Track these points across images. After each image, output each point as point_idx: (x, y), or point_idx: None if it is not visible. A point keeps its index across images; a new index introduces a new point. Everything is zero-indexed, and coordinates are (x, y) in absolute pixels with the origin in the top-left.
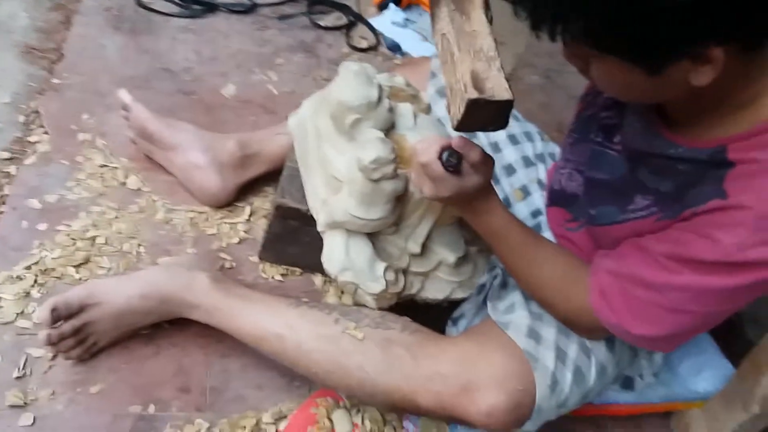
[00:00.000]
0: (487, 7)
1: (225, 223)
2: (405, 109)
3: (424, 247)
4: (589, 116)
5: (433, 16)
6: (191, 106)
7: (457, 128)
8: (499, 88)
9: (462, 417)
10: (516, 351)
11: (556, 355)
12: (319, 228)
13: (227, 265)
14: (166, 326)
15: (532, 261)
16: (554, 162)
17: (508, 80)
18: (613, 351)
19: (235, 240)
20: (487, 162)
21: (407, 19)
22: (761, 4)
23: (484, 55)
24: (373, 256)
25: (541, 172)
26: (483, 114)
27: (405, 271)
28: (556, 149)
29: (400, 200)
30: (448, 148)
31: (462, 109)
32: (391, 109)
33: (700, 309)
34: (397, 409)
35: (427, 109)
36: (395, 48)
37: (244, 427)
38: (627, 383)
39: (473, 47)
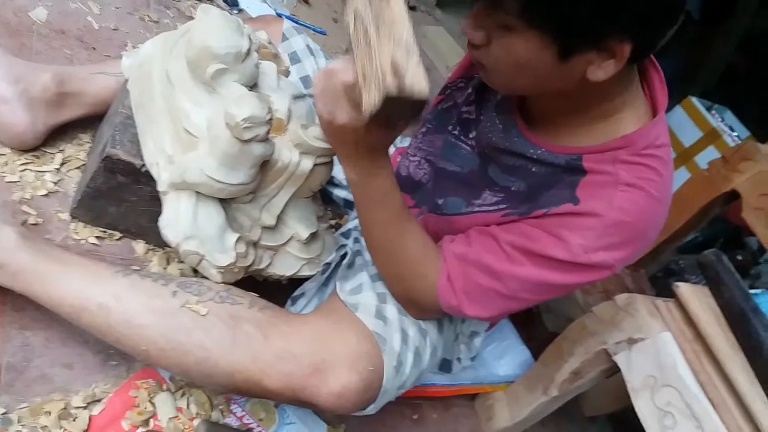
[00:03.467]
0: None
1: (30, 170)
2: (269, 67)
3: (278, 220)
4: (447, 108)
5: None
6: None
7: (370, 119)
8: (418, 82)
9: (310, 399)
10: (366, 332)
11: (401, 337)
12: (161, 188)
13: (31, 220)
14: None
15: (402, 232)
16: (397, 147)
17: (427, 71)
18: (442, 333)
19: (42, 192)
20: None
21: None
22: (663, 13)
23: (404, 45)
24: (224, 225)
25: None
26: (399, 107)
27: (255, 244)
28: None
29: (262, 167)
30: None
31: (378, 101)
32: (256, 66)
33: (533, 298)
34: (237, 391)
35: (287, 72)
36: (232, 2)
37: (49, 413)
38: (444, 366)
39: (393, 35)
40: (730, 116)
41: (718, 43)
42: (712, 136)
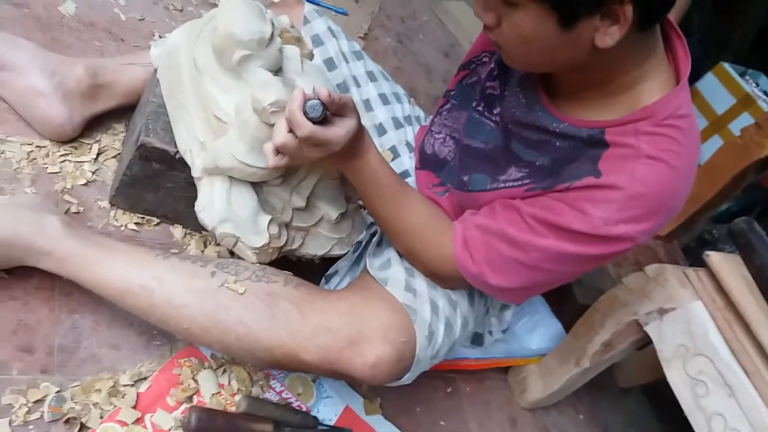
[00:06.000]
0: None
1: (69, 161)
2: (292, 51)
3: (308, 201)
4: (470, 84)
5: None
6: (22, 21)
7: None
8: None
9: (346, 371)
10: (397, 304)
11: (431, 308)
12: (195, 174)
13: (73, 209)
14: (4, 276)
15: (401, 206)
16: (421, 125)
17: None
18: (473, 306)
19: (82, 181)
20: (348, 103)
21: None
22: None
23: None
24: (257, 208)
25: (409, 134)
26: None
27: (287, 226)
28: (421, 113)
29: None
30: (312, 99)
31: None
32: (280, 50)
33: (556, 268)
34: (277, 365)
35: (311, 55)
36: None
37: (100, 390)
38: (476, 339)
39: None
40: (765, 81)
41: (750, 7)
42: (746, 102)
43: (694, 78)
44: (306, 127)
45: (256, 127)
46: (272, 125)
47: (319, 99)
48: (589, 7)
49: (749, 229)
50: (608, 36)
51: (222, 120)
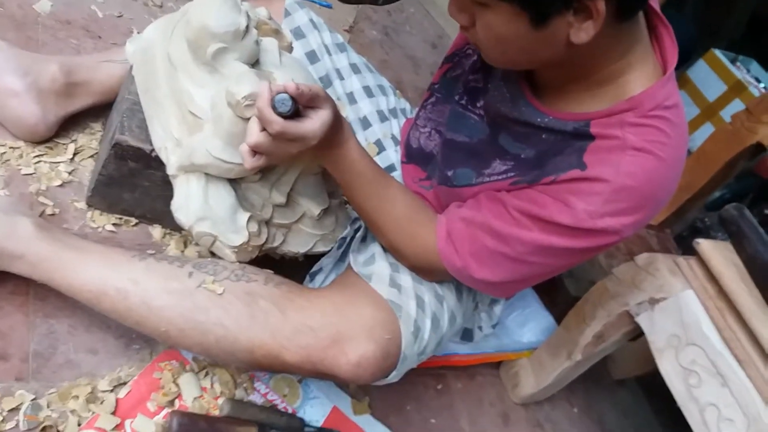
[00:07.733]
0: None
1: (44, 161)
2: (270, 44)
3: (288, 197)
4: (454, 77)
5: None
6: None
7: None
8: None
9: (330, 370)
10: (381, 301)
11: (417, 303)
12: (170, 171)
13: (48, 211)
14: None
15: (383, 197)
16: (407, 118)
17: None
18: (461, 300)
19: (57, 182)
20: (319, 93)
21: None
22: None
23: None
24: (235, 205)
25: (395, 127)
26: None
27: (267, 223)
28: (407, 106)
29: None
30: (280, 93)
31: None
32: (257, 42)
33: (541, 261)
34: (259, 366)
35: (290, 48)
36: None
37: (77, 397)
38: (466, 335)
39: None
40: (756, 67)
41: None
42: (737, 89)
43: (687, 58)
44: (277, 123)
45: (231, 122)
46: (248, 119)
47: (287, 92)
48: (558, 4)
49: (739, 215)
50: (582, 31)
51: (197, 116)
